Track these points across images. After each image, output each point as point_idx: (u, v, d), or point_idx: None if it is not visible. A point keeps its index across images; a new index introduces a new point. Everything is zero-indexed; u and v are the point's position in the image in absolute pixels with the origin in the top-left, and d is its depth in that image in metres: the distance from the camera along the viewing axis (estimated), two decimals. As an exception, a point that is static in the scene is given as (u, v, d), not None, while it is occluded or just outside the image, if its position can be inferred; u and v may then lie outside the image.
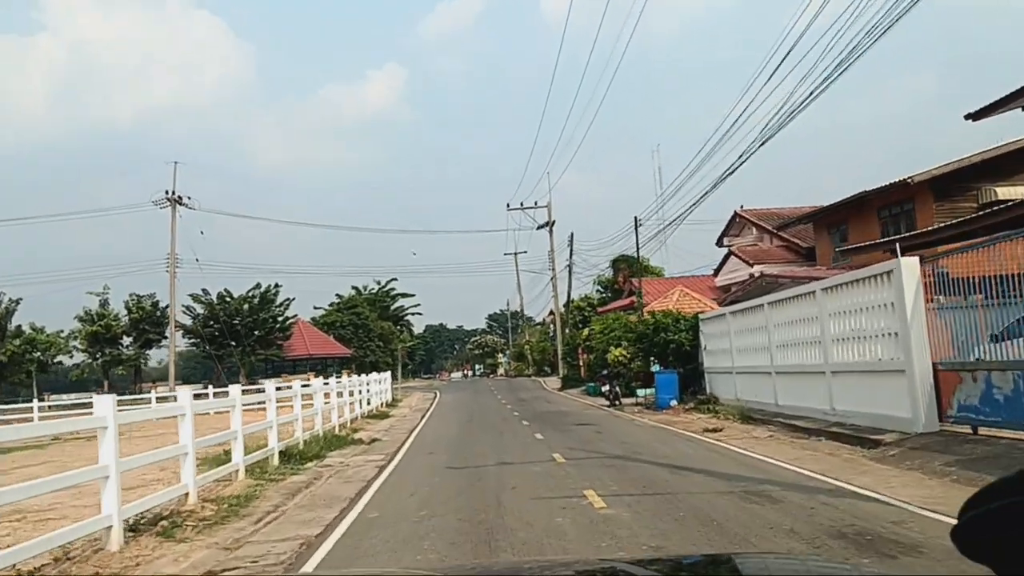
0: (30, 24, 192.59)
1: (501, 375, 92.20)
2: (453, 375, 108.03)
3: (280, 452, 14.10)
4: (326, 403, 20.87)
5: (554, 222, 50.27)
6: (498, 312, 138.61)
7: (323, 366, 61.05)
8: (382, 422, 26.40)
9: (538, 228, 50.75)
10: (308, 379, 32.39)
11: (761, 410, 17.25)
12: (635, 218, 31.56)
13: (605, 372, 26.66)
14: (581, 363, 38.66)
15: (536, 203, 50.68)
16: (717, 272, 37.03)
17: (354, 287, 67.93)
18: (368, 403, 30.06)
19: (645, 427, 17.99)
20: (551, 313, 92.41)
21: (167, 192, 45.73)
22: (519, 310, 75.92)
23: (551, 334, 61.92)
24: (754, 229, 37.54)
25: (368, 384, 31.37)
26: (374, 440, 19.52)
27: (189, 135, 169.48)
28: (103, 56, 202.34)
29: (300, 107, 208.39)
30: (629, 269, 41.27)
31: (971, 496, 0.91)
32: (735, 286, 32.73)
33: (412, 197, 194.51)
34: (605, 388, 25.94)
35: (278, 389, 16.73)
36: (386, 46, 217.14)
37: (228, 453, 12.29)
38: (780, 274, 26.14)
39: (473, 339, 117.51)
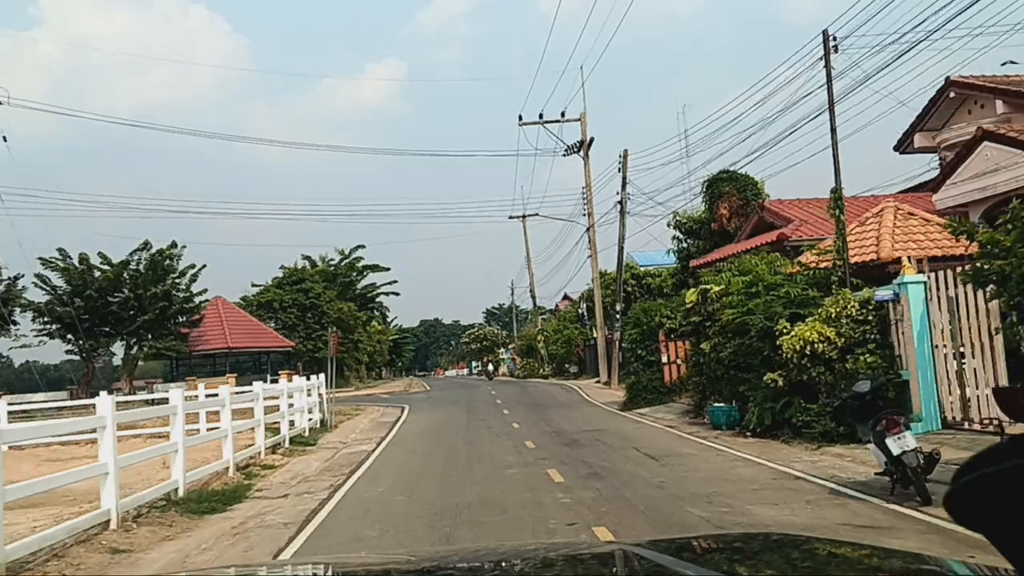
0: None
1: (503, 375, 74.32)
2: (448, 373, 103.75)
3: None
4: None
5: (592, 140, 32.55)
6: (496, 307, 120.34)
7: (256, 364, 43.11)
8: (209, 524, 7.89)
9: (566, 153, 33.02)
10: (227, 383, 24.97)
11: None
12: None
13: (860, 392, 8.48)
14: (668, 359, 20.78)
15: (563, 113, 33.05)
16: (938, 186, 19.10)
17: (305, 256, 50.15)
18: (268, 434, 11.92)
19: None
20: (566, 299, 74.54)
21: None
22: (530, 291, 58.07)
23: (582, 316, 44.06)
24: (998, 103, 19.85)
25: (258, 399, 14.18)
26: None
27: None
28: None
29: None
30: (739, 194, 23.50)
31: (964, 462, 0.90)
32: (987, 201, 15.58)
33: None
34: (874, 432, 7.90)
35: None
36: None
37: None
38: None
39: (469, 332, 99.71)
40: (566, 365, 47.51)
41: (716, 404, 14.89)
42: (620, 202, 29.04)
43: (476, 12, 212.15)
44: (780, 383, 12.98)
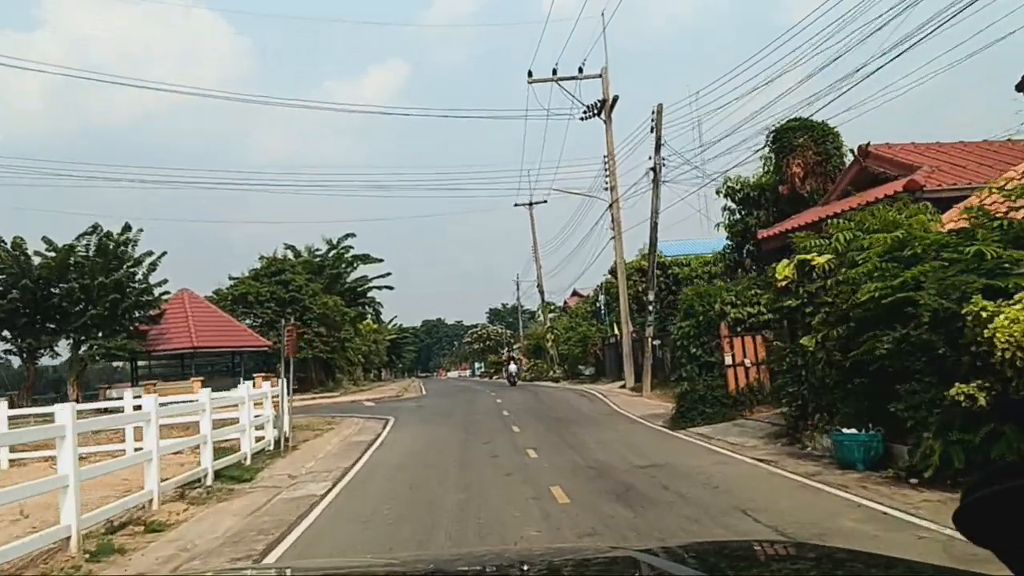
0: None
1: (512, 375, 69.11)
2: (450, 374, 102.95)
3: None
4: None
5: (615, 100, 27.25)
6: (500, 306, 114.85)
7: (229, 367, 37.97)
8: None
9: (585, 115, 27.74)
10: (191, 388, 22.55)
11: None
12: None
13: None
14: (733, 360, 15.50)
15: (581, 69, 27.74)
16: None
17: (288, 245, 44.89)
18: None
19: None
20: (575, 295, 69.05)
21: None
22: (538, 285, 52.77)
23: (599, 311, 38.78)
24: None
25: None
26: None
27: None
28: None
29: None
30: (816, 147, 18.23)
31: (972, 480, 0.91)
32: None
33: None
34: None
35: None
36: None
37: None
38: None
39: (472, 331, 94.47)
40: (579, 367, 42.31)
41: (845, 431, 9.63)
42: (653, 168, 23.77)
43: None
44: (981, 401, 7.76)
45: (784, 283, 12.07)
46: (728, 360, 15.64)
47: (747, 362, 15.65)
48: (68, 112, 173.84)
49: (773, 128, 18.73)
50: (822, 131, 18.16)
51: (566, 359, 45.42)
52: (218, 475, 12.79)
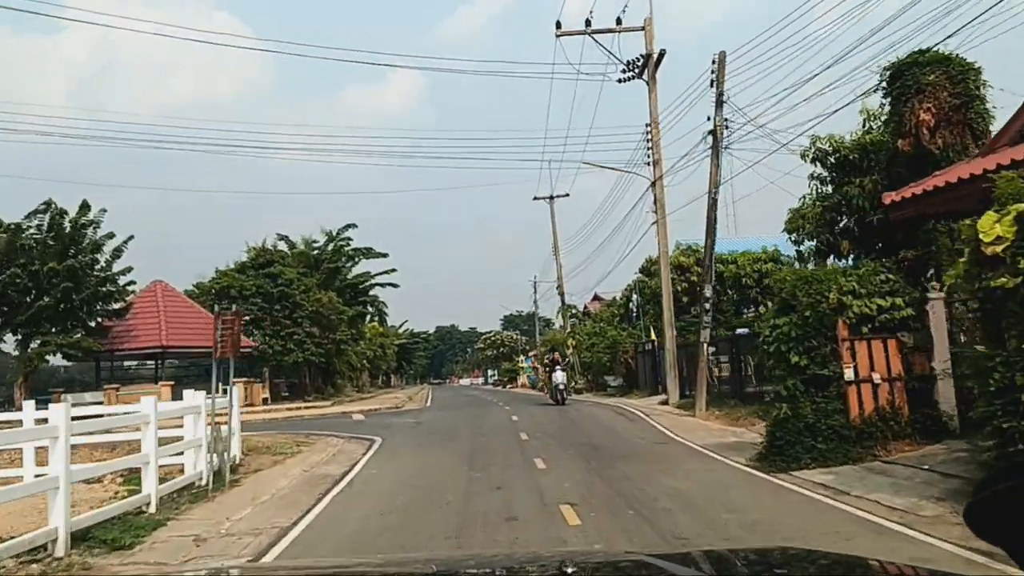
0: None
1: (523, 385, 64.26)
2: (462, 381, 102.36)
3: None
4: None
5: (662, 55, 22.52)
6: (515, 313, 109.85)
7: (205, 371, 33.33)
8: None
9: (625, 75, 23.01)
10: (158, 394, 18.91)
11: None
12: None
13: None
14: (855, 376, 10.67)
15: (619, 20, 22.97)
16: None
17: (282, 236, 40.32)
18: None
19: None
20: (596, 299, 64.27)
21: None
22: (557, 287, 47.97)
23: (631, 313, 33.94)
24: None
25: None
26: None
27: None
28: None
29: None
30: (951, 87, 13.40)
31: (982, 479, 0.96)
32: None
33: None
34: None
35: None
36: None
37: None
38: None
39: (484, 337, 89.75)
40: (605, 377, 37.48)
41: None
42: (713, 131, 19.00)
43: None
44: None
45: (996, 248, 7.30)
46: (849, 374, 10.82)
47: (876, 377, 10.84)
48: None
49: (889, 66, 13.95)
50: (960, 67, 13.37)
51: (589, 368, 40.59)
52: (86, 536, 8.26)
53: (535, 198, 48.47)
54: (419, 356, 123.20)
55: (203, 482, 11.60)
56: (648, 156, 23.08)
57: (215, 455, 12.03)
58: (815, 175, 15.98)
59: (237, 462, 13.58)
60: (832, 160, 15.66)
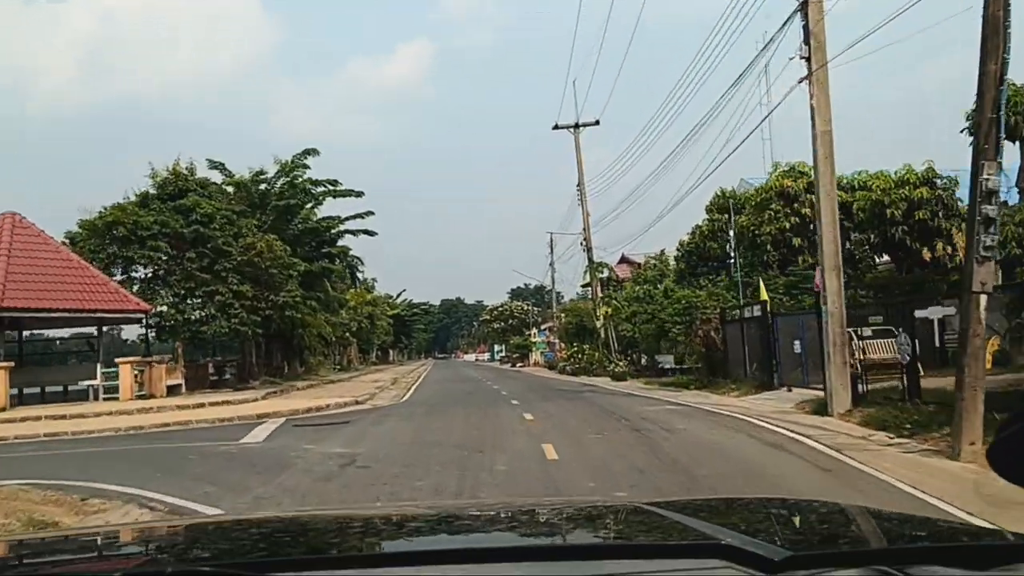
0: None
1: (536, 363, 53.89)
2: (466, 356, 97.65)
3: None
4: None
5: None
6: (522, 286, 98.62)
7: (88, 343, 23.18)
8: None
9: None
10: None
11: None
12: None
13: None
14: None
15: None
16: None
17: (215, 162, 29.32)
18: None
19: None
20: (623, 261, 53.76)
21: None
22: (584, 241, 37.30)
23: (730, 260, 23.27)
24: None
25: None
26: None
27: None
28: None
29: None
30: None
31: (1004, 419, 0.91)
32: None
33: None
34: None
35: None
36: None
37: None
38: None
39: (490, 308, 79.24)
40: (656, 359, 27.00)
41: None
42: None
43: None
44: None
45: None
46: None
47: None
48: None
49: None
50: None
51: (632, 345, 30.11)
52: None
53: (555, 126, 37.79)
54: (419, 329, 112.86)
55: None
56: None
57: None
58: None
59: None
60: None
